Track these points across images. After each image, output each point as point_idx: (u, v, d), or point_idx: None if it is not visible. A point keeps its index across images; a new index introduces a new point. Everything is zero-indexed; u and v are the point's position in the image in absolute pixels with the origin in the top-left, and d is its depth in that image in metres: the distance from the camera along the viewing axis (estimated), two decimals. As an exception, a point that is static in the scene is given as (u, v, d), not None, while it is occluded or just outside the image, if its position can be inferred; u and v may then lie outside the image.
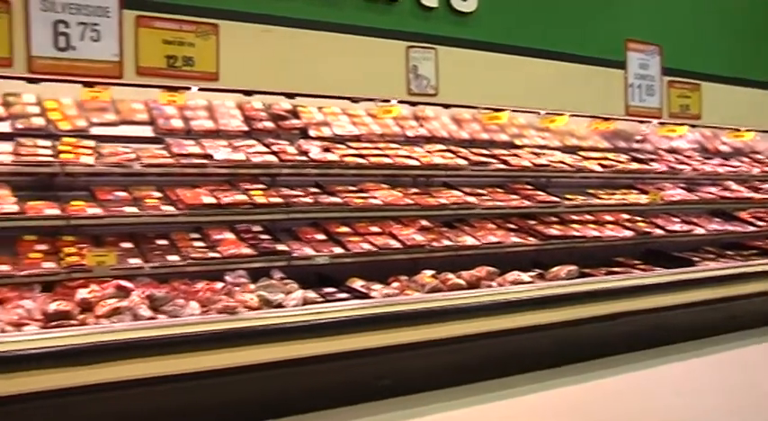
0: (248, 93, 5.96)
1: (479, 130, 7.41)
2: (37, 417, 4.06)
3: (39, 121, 5.42)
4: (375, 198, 6.08)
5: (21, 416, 4.00)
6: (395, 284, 5.54)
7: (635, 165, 7.96)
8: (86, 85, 5.11)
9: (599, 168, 7.58)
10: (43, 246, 4.91)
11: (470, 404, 5.07)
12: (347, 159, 6.07)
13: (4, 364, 3.93)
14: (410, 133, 6.94)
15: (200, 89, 5.50)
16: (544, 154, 7.44)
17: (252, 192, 5.56)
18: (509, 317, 5.47)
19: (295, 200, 5.66)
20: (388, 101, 6.44)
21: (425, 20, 6.51)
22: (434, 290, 5.49)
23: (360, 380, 4.96)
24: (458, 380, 5.28)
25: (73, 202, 5.04)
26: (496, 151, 7.12)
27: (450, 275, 5.71)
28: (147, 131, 5.82)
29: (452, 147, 6.88)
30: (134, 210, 5.11)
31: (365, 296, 5.26)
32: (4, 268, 4.61)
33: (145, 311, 4.48)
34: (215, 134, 5.97)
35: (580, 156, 7.75)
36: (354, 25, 6.03)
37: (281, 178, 5.89)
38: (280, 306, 4.86)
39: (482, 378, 5.37)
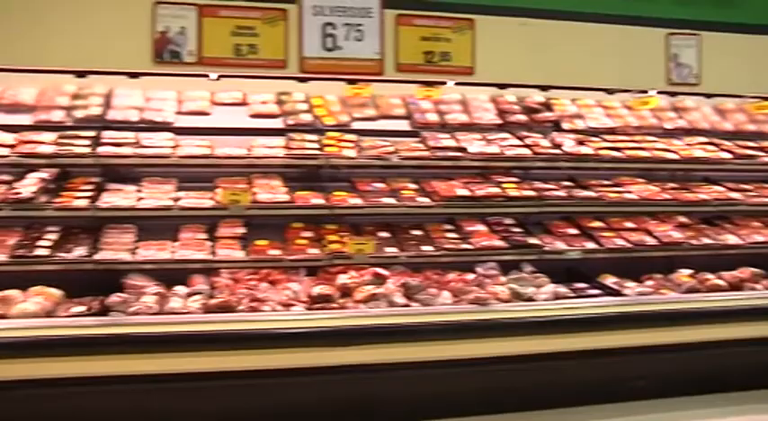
0: (502, 86, 6.00)
1: (745, 121, 6.92)
2: (298, 392, 4.38)
3: (306, 117, 5.84)
4: (630, 192, 5.89)
5: (282, 389, 4.35)
6: (649, 282, 5.35)
7: None
8: (350, 82, 5.41)
9: None
10: (309, 234, 5.27)
11: (725, 415, 4.81)
12: (602, 152, 5.94)
13: (274, 340, 4.31)
14: (668, 125, 6.64)
15: (456, 83, 5.60)
16: (821, 146, 6.80)
17: (505, 185, 5.61)
18: (776, 323, 5.09)
19: (548, 193, 5.64)
20: (645, 91, 6.20)
21: (687, 5, 6.17)
22: (692, 290, 5.24)
23: (609, 378, 4.85)
24: (713, 386, 5.02)
25: (336, 193, 5.37)
26: (765, 143, 6.61)
27: (710, 275, 5.41)
28: (403, 125, 6.05)
29: (715, 140, 6.49)
30: (391, 200, 5.35)
31: (618, 293, 5.14)
32: (276, 253, 5.02)
33: (399, 298, 4.68)
34: (469, 127, 6.08)
35: None
36: (611, 14, 5.85)
37: (533, 171, 5.89)
38: (530, 299, 4.87)
39: (740, 387, 5.06)
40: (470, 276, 5.05)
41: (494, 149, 5.76)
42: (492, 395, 4.62)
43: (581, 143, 6.02)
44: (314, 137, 5.61)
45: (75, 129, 5.38)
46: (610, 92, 6.27)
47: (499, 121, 6.21)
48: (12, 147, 5.11)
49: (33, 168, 5.13)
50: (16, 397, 4.08)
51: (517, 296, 4.86)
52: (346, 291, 4.75)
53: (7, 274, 4.68)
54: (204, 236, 5.12)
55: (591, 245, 5.48)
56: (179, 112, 5.73)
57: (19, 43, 4.64)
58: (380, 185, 5.55)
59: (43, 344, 4.14)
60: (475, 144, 5.80)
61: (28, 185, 4.95)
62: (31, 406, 4.12)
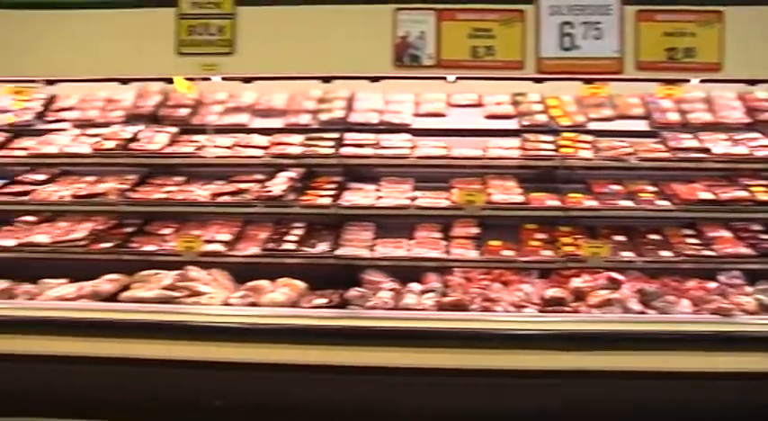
0: (752, 82, 5.59)
1: None
2: (526, 394, 4.35)
3: (541, 118, 5.84)
4: None
5: (511, 390, 4.34)
6: None
7: None
8: (586, 82, 5.29)
9: None
10: (542, 235, 5.24)
11: None
12: None
13: (505, 341, 4.34)
14: None
15: (701, 81, 5.32)
16: None
17: (753, 189, 5.27)
18: None
19: (804, 197, 5.22)
20: None
21: None
22: None
23: None
24: None
25: (570, 194, 5.31)
26: None
27: None
28: (642, 125, 5.84)
29: None
30: (629, 203, 5.21)
31: None
32: (509, 253, 5.05)
33: (635, 305, 4.55)
34: (713, 127, 5.76)
35: None
36: None
37: (786, 174, 5.47)
38: (779, 312, 4.55)
39: None
40: (712, 285, 4.80)
41: (741, 150, 5.42)
42: (730, 413, 4.36)
43: None
44: (549, 137, 5.59)
45: (321, 131, 5.74)
46: None
47: (748, 120, 5.82)
48: (265, 148, 5.56)
49: (283, 168, 5.53)
50: (261, 378, 4.40)
51: (765, 308, 4.55)
52: (580, 295, 4.69)
53: (258, 266, 5.09)
54: (439, 235, 5.27)
55: None
56: (416, 114, 5.94)
57: (272, 53, 4.99)
58: (617, 187, 5.42)
59: (289, 332, 4.45)
60: (720, 144, 5.49)
61: (278, 184, 5.34)
62: (268, 389, 4.43)
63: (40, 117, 6.17)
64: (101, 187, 5.51)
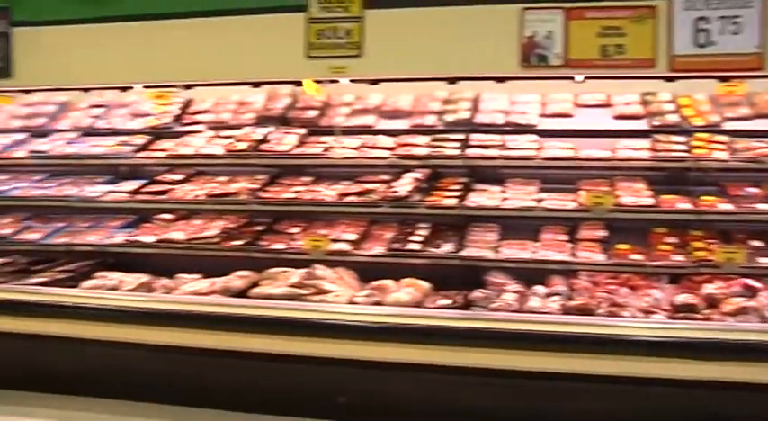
0: None
1: None
2: (654, 403, 4.24)
3: (673, 118, 5.64)
4: None
5: (637, 398, 4.23)
6: None
7: None
8: (722, 79, 5.09)
9: None
10: (673, 239, 5.08)
11: None
12: None
13: (633, 347, 4.21)
14: None
15: None
16: None
17: None
18: None
19: None
20: None
21: None
22: None
23: None
24: None
25: (703, 197, 5.11)
26: None
27: None
28: (784, 125, 5.57)
29: None
30: (767, 207, 4.97)
31: None
32: (638, 257, 4.92)
33: (772, 314, 4.34)
34: None
35: None
36: None
37: None
38: None
39: None
40: None
41: None
42: None
43: None
44: (681, 138, 5.39)
45: (446, 132, 5.76)
46: None
47: None
48: (391, 149, 5.63)
49: (409, 168, 5.58)
50: (384, 377, 4.47)
51: None
52: (712, 302, 4.51)
53: (383, 265, 5.17)
54: (565, 237, 5.19)
55: None
56: (542, 115, 5.87)
57: (398, 55, 5.04)
58: (754, 190, 5.17)
59: (413, 332, 4.47)
60: None
61: (404, 184, 5.39)
62: (391, 388, 4.48)
63: (178, 120, 6.49)
64: (233, 187, 5.73)
